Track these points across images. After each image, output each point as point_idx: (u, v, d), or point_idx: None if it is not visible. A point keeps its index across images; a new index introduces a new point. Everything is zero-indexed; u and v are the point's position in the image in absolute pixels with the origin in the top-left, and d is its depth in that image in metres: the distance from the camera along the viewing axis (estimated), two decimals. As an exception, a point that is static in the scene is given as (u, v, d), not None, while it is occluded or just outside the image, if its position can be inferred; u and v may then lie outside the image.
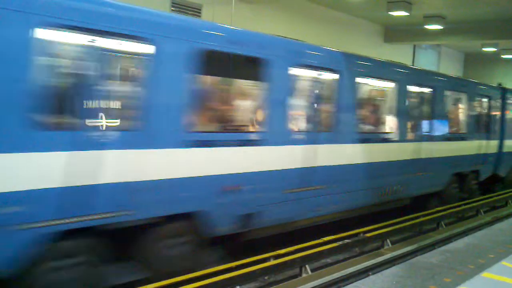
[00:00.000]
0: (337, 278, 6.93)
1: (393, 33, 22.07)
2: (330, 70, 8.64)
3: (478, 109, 14.03)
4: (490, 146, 14.17)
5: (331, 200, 8.69)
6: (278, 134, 7.60)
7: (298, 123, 8.25)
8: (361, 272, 7.30)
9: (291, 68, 7.80)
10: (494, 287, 5.97)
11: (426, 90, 11.51)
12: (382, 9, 17.40)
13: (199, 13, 14.15)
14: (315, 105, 8.41)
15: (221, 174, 6.75)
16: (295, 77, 8.00)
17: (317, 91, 8.48)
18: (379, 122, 10.40)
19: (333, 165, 8.66)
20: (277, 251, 7.19)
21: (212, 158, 6.64)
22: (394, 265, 7.56)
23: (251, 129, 7.56)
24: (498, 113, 15.01)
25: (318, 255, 7.61)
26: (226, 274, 6.25)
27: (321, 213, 8.74)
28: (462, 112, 13.26)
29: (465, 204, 12.33)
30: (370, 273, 7.21)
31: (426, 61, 25.35)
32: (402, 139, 10.42)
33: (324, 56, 8.78)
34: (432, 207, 11.50)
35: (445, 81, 12.59)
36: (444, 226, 10.68)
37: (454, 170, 12.46)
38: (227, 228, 7.05)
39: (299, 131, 8.14)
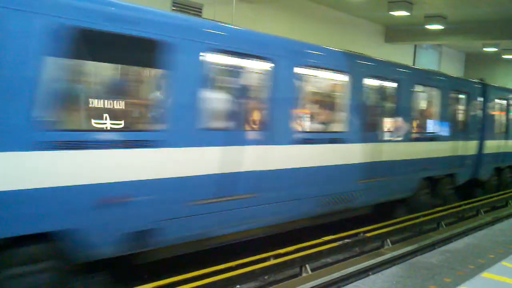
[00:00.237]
0: (337, 277, 6.93)
1: (394, 33, 22.07)
2: (260, 58, 7.30)
3: (454, 106, 12.65)
4: (468, 147, 12.92)
5: (262, 212, 7.41)
6: (182, 134, 6.22)
7: (214, 120, 6.81)
8: (361, 272, 7.30)
9: (204, 54, 6.49)
10: (494, 287, 5.97)
11: (389, 84, 10.23)
12: (383, 9, 17.40)
13: (200, 12, 14.17)
14: (240, 99, 7.01)
15: (98, 183, 5.41)
16: (210, 65, 6.66)
17: (243, 83, 7.09)
18: (328, 120, 8.99)
19: (265, 170, 7.33)
20: (277, 251, 7.19)
21: (82, 163, 5.29)
22: (394, 265, 7.56)
23: (143, 127, 6.18)
24: (478, 111, 13.71)
25: (318, 254, 7.61)
26: (226, 274, 6.25)
27: (250, 226, 7.41)
28: (433, 109, 11.89)
29: (465, 204, 12.32)
30: (370, 273, 7.21)
31: (427, 61, 25.33)
32: (356, 139, 9.07)
33: (249, 40, 7.41)
34: (400, 215, 10.52)
35: (412, 74, 11.27)
36: (444, 226, 10.68)
37: (424, 174, 11.24)
38: (111, 250, 5.73)
39: (216, 130, 6.71)
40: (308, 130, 8.41)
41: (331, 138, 8.65)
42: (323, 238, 8.14)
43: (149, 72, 6.44)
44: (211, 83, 6.81)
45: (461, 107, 12.97)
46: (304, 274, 7.11)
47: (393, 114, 10.28)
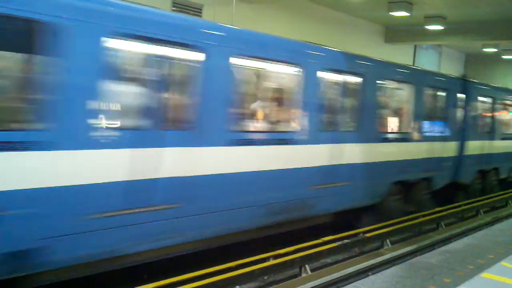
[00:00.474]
0: (337, 278, 6.93)
1: (394, 33, 22.08)
2: (185, 46, 6.29)
3: (431, 104, 11.72)
4: (447, 148, 11.93)
5: (190, 224, 6.44)
6: (73, 133, 5.20)
7: (122, 117, 5.66)
8: (360, 272, 7.30)
9: (106, 38, 5.43)
10: (493, 287, 5.97)
11: (350, 78, 9.09)
12: (383, 9, 17.42)
13: (200, 13, 14.18)
14: (158, 93, 6.00)
15: None
16: (114, 52, 5.61)
17: (164, 75, 6.07)
18: (275, 118, 8.01)
19: (192, 176, 6.31)
20: (277, 251, 7.19)
21: None
22: (393, 265, 7.56)
23: (9, 125, 4.99)
24: (459, 109, 12.70)
25: (318, 255, 7.62)
26: (226, 274, 6.25)
27: (174, 241, 6.43)
28: (406, 107, 10.79)
29: (465, 205, 12.32)
30: (369, 273, 7.21)
31: (427, 61, 25.34)
32: (310, 140, 8.04)
33: (171, 24, 6.28)
34: (365, 224, 9.45)
35: (380, 68, 9.99)
36: (443, 227, 10.68)
37: (394, 178, 10.16)
38: None
39: (122, 128, 5.63)
40: (249, 130, 7.38)
41: (278, 139, 7.63)
42: (322, 238, 8.14)
43: (28, 59, 5.27)
44: (117, 73, 5.72)
45: (439, 105, 12.05)
46: (303, 275, 7.12)
47: (356, 112, 9.21)
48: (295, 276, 7.14)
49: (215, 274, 6.19)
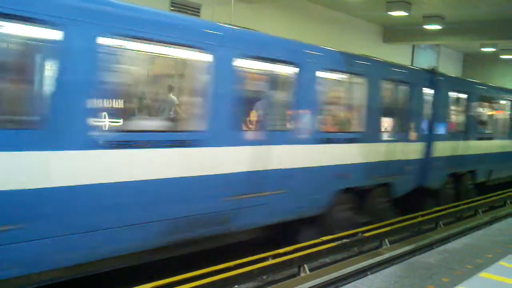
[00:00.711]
0: (336, 277, 6.94)
1: (392, 33, 22.10)
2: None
3: (390, 100, 10.25)
4: (411, 150, 10.57)
5: (56, 247, 5.18)
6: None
7: None
8: (359, 271, 7.31)
9: None
10: (492, 287, 5.97)
11: (279, 68, 7.78)
12: (381, 9, 17.43)
13: (198, 12, 14.18)
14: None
15: None
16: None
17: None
18: (167, 115, 6.93)
19: (35, 189, 4.92)
20: (276, 251, 7.19)
21: None
22: (392, 264, 7.57)
23: None
24: (426, 106, 11.28)
25: (317, 254, 7.61)
26: (225, 273, 6.24)
27: (33, 270, 5.18)
28: (356, 103, 9.39)
29: (463, 204, 12.31)
30: (368, 273, 7.22)
31: (425, 61, 25.29)
32: (222, 141, 6.75)
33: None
34: (308, 238, 8.13)
35: (320, 57, 8.49)
36: (442, 226, 10.69)
37: (341, 186, 8.78)
38: None
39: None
40: (125, 129, 5.85)
41: (173, 140, 6.23)
42: (321, 238, 8.13)
43: None
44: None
45: (400, 101, 10.54)
46: (302, 274, 7.11)
47: (289, 108, 7.93)
48: (294, 275, 7.13)
49: (213, 273, 6.19)
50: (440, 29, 19.32)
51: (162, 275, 6.00)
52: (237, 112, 7.01)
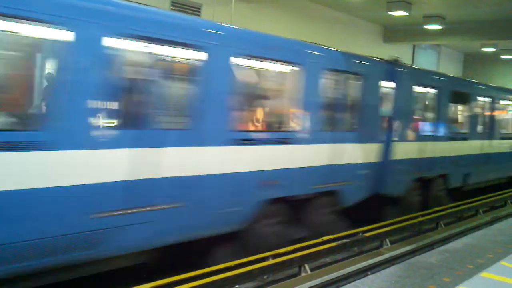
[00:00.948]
0: (336, 277, 6.93)
1: (393, 33, 22.08)
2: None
3: (334, 94, 8.68)
4: (364, 152, 9.18)
5: None
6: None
7: None
8: (360, 271, 7.30)
9: None
10: (493, 287, 5.96)
11: (179, 52, 6.34)
12: (381, 9, 17.41)
13: (199, 12, 14.17)
14: None
15: None
16: None
17: None
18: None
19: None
20: (276, 250, 7.17)
21: None
22: (393, 264, 7.56)
23: None
24: (385, 102, 9.97)
25: (317, 254, 7.60)
26: (225, 273, 6.24)
27: None
28: (288, 97, 8.01)
29: (464, 204, 12.29)
30: (369, 273, 7.21)
31: (426, 61, 25.37)
32: (74, 142, 5.23)
33: None
34: (221, 260, 6.72)
35: (234, 40, 7.02)
36: (443, 226, 10.68)
37: (267, 195, 7.36)
38: None
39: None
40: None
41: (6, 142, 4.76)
42: (322, 238, 8.12)
43: None
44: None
45: (349, 95, 9.06)
46: (303, 274, 7.10)
47: (188, 101, 6.55)
48: (294, 275, 7.12)
49: (214, 273, 6.18)
50: (440, 29, 19.29)
51: (162, 275, 5.99)
52: (99, 105, 5.36)
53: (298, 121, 7.83)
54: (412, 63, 23.63)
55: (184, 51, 6.36)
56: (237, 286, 6.39)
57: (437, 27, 19.10)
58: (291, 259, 7.10)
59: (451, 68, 27.46)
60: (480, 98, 13.92)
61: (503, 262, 6.98)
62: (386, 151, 9.89)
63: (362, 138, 9.14)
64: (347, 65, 8.82)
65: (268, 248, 7.18)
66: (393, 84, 10.17)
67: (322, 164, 8.23)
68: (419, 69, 11.89)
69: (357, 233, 8.71)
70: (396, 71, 10.24)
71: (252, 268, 6.58)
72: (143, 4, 6.09)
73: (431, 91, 11.68)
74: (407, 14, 17.17)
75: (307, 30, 17.12)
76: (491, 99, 14.41)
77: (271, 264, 6.87)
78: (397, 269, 6.93)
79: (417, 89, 11.12)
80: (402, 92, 10.38)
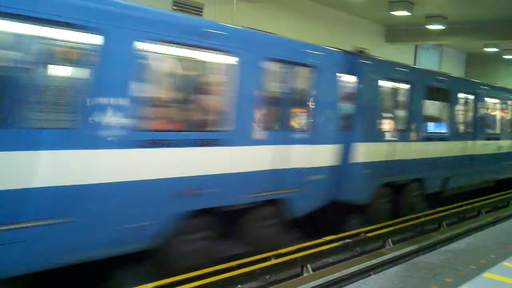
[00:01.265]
0: (339, 277, 6.92)
1: (395, 33, 22.07)
2: None
3: (279, 88, 7.47)
4: (318, 154, 8.02)
5: None
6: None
7: None
8: (362, 271, 7.30)
9: None
10: (495, 287, 5.95)
11: (57, 33, 5.06)
12: (383, 9, 17.41)
13: (201, 12, 14.18)
14: None
15: None
16: None
17: None
18: None
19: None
20: (278, 250, 7.17)
21: None
22: (395, 265, 7.55)
23: None
24: (344, 98, 8.85)
25: (319, 254, 7.59)
26: (227, 273, 6.23)
27: None
28: (218, 91, 6.88)
29: (466, 205, 12.27)
30: (371, 273, 7.20)
31: (428, 61, 25.35)
32: None
33: None
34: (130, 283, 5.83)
35: (140, 22, 5.73)
36: (445, 227, 10.66)
37: (187, 207, 6.26)
38: None
39: None
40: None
41: None
42: (324, 238, 8.11)
43: None
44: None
45: (298, 90, 7.88)
46: (305, 274, 7.09)
47: (70, 92, 5.42)
48: (297, 275, 7.11)
49: (216, 273, 6.17)
50: (442, 29, 19.29)
51: (163, 275, 5.99)
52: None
53: (230, 120, 6.69)
54: (414, 63, 23.63)
55: (80, 34, 5.15)
56: (239, 286, 6.39)
57: (439, 27, 19.09)
58: (294, 259, 7.09)
59: (454, 68, 27.44)
60: (462, 95, 12.64)
61: (505, 263, 6.95)
62: (346, 153, 8.83)
63: (315, 138, 7.96)
64: (294, 55, 7.70)
65: (191, 268, 6.16)
66: (354, 78, 9.11)
67: (262, 169, 7.13)
68: (388, 61, 10.50)
69: (360, 233, 8.71)
70: (358, 64, 9.22)
71: (254, 268, 6.57)
72: (143, 5, 6.06)
73: (403, 86, 10.33)
74: (409, 14, 17.17)
75: (309, 30, 17.14)
76: (474, 96, 13.15)
77: (273, 264, 6.87)
78: (399, 269, 6.92)
79: (385, 84, 9.87)
80: (366, 87, 9.25)
